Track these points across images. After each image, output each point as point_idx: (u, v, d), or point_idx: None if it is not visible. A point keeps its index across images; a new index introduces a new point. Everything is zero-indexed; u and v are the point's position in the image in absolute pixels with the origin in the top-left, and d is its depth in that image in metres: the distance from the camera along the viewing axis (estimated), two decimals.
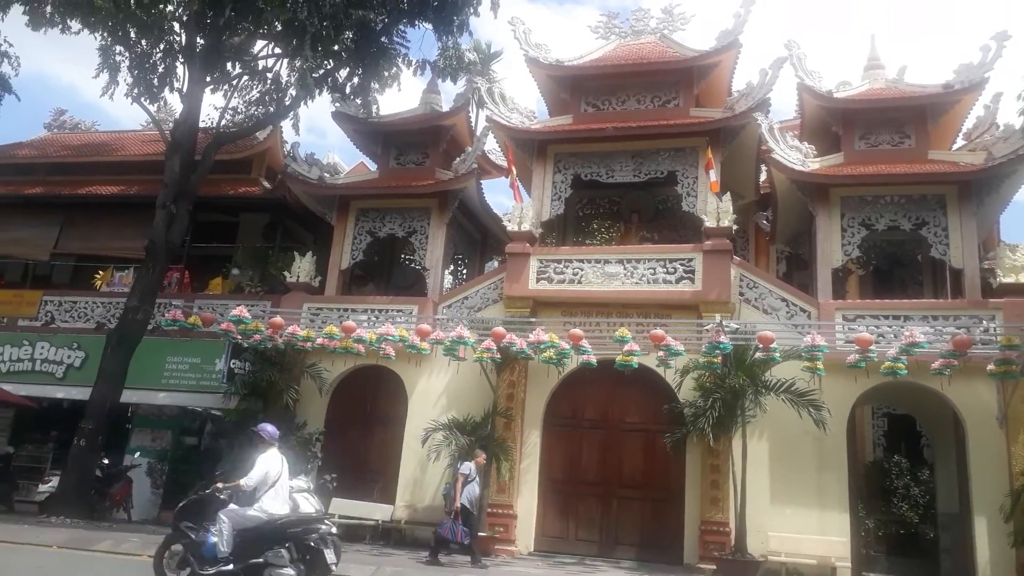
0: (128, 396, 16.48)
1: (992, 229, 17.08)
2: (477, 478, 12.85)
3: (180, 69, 17.79)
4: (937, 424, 15.53)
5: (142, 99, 17.77)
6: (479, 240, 20.62)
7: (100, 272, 19.87)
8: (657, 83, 17.02)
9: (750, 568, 12.35)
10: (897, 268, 17.96)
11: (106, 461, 16.39)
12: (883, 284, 17.84)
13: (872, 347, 12.20)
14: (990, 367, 12.11)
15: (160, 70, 17.86)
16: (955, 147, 16.70)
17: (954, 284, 15.03)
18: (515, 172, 16.64)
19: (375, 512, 15.03)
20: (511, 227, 16.11)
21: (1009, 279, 13.63)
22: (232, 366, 16.93)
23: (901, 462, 16.92)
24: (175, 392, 17.22)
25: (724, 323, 12.94)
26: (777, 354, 12.51)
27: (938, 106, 15.70)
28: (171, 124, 18.59)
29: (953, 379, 12.57)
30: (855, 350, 12.33)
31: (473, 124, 19.63)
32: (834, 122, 16.22)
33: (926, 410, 15.66)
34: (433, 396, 15.81)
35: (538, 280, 15.74)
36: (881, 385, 13.33)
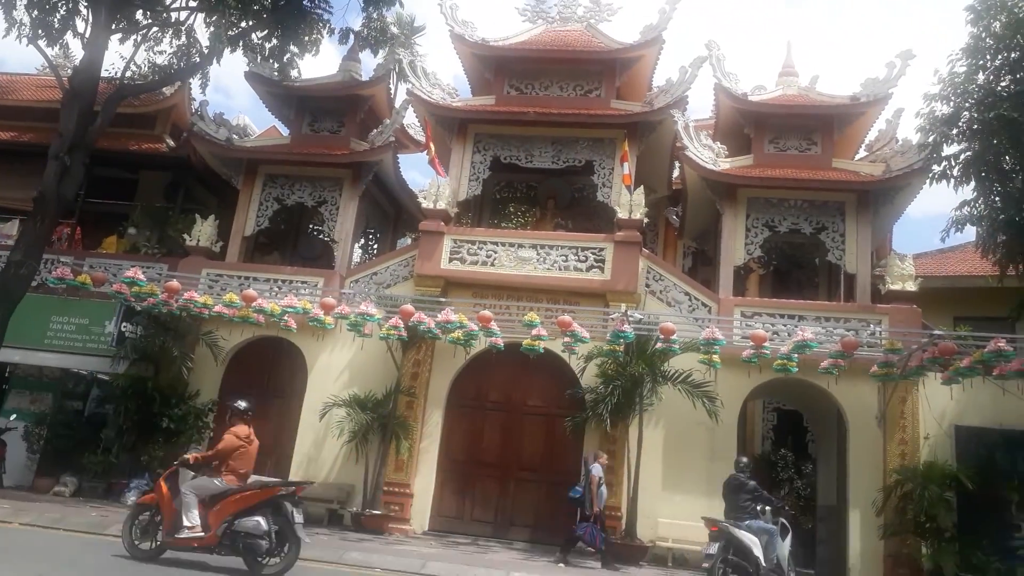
0: (6, 355, 15.46)
1: (885, 238, 17.95)
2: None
3: (84, 12, 16.72)
4: (822, 420, 16.29)
5: (39, 41, 16.60)
6: (392, 215, 20.31)
7: None
8: (581, 71, 17.09)
9: (637, 552, 12.68)
10: (795, 269, 18.67)
11: None
12: (781, 284, 18.52)
13: (766, 344, 12.61)
14: (873, 369, 12.79)
15: (62, 11, 16.70)
16: (857, 158, 17.44)
17: (847, 288, 15.72)
18: (434, 149, 16.42)
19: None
20: (426, 204, 15.93)
21: (896, 287, 14.37)
22: (123, 329, 16.11)
23: (787, 455, 17.68)
24: (59, 353, 16.29)
25: (629, 313, 13.16)
26: (677, 346, 12.85)
27: (844, 117, 16.36)
28: (70, 70, 17.49)
29: (840, 379, 13.23)
30: (750, 346, 12.72)
31: (393, 96, 19.27)
32: (747, 124, 16.66)
33: (813, 407, 16.42)
34: (335, 371, 15.51)
35: (451, 260, 15.64)
36: (773, 381, 13.86)
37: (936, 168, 12.97)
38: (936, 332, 12.37)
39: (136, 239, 18.33)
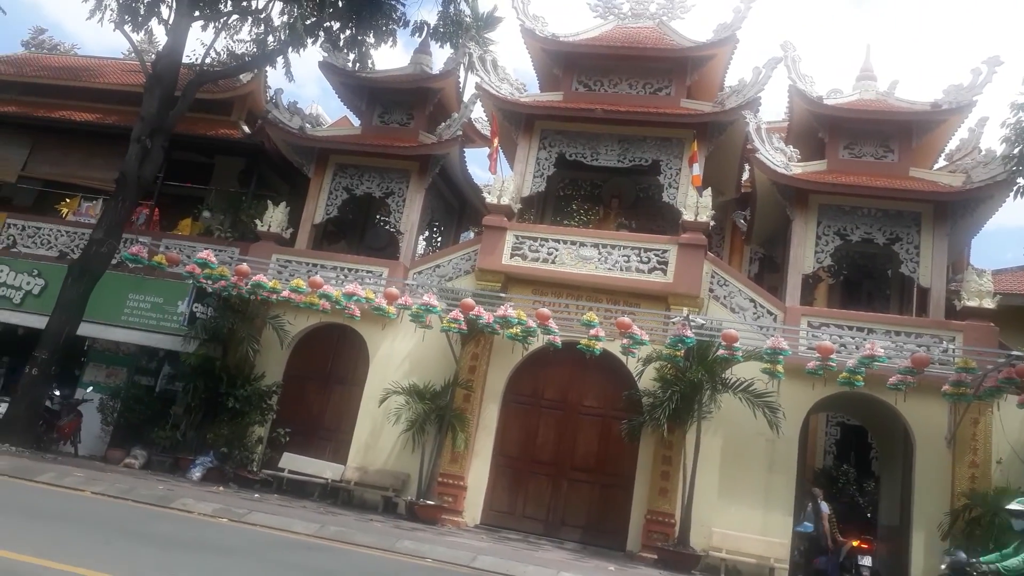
0: (85, 329, 16.18)
1: (963, 252, 17.28)
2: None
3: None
4: (887, 438, 15.82)
5: (125, 27, 17.22)
6: (457, 209, 20.45)
7: (67, 200, 19.41)
8: (651, 69, 16.88)
9: (690, 561, 12.54)
10: (866, 280, 18.15)
11: (57, 393, 16.15)
12: (851, 294, 18.03)
13: (833, 356, 12.31)
14: (945, 388, 12.32)
15: None
16: (936, 167, 16.84)
17: (920, 302, 15.23)
18: (497, 143, 16.47)
19: (325, 470, 14.99)
20: (491, 199, 15.98)
21: (973, 303, 13.80)
22: (194, 310, 16.71)
23: (849, 471, 17.25)
24: (134, 330, 16.95)
25: (691, 317, 13.00)
26: (739, 353, 12.62)
27: (924, 124, 15.79)
28: (153, 56, 18.11)
29: (908, 396, 12.82)
30: (816, 357, 12.44)
31: (462, 90, 19.37)
32: (821, 128, 16.24)
33: (878, 423, 15.96)
34: (395, 361, 15.73)
35: (512, 256, 15.67)
36: (838, 394, 13.51)
37: (1021, 181, 12.47)
38: (1014, 352, 11.89)
39: (210, 222, 18.89)
